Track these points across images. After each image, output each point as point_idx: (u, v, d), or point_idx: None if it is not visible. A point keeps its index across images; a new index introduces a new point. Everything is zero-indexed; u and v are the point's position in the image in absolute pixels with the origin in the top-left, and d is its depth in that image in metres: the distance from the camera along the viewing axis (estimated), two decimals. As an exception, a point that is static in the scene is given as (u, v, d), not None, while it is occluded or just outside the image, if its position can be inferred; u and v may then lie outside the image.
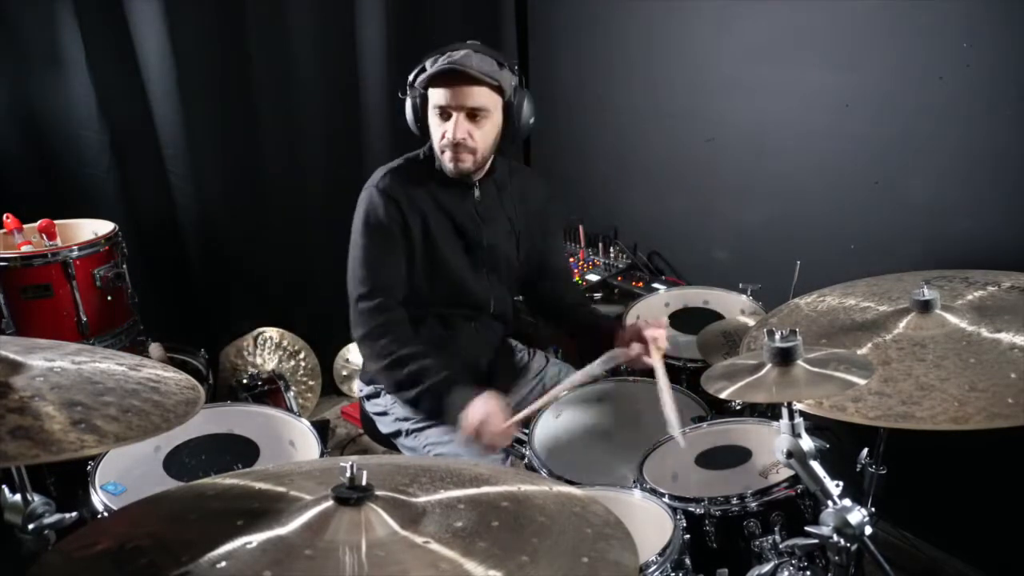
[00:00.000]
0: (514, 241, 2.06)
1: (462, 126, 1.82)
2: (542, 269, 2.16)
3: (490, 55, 1.81)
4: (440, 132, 1.85)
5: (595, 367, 1.78)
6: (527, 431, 1.89)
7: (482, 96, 1.81)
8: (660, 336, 1.82)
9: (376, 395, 2.09)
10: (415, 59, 1.90)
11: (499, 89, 1.82)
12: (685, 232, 2.96)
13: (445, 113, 1.83)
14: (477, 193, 1.96)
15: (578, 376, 1.83)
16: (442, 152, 1.87)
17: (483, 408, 1.69)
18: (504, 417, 1.69)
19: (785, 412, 1.18)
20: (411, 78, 1.87)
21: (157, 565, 0.85)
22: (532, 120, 1.92)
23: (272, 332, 3.06)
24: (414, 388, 1.80)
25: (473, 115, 1.82)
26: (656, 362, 1.79)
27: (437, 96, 1.82)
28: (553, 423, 1.95)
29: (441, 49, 1.82)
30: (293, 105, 2.95)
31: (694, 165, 2.84)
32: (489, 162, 1.96)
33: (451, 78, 1.78)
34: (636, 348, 1.83)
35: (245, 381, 2.66)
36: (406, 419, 2.01)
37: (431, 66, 1.81)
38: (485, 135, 1.86)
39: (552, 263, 2.19)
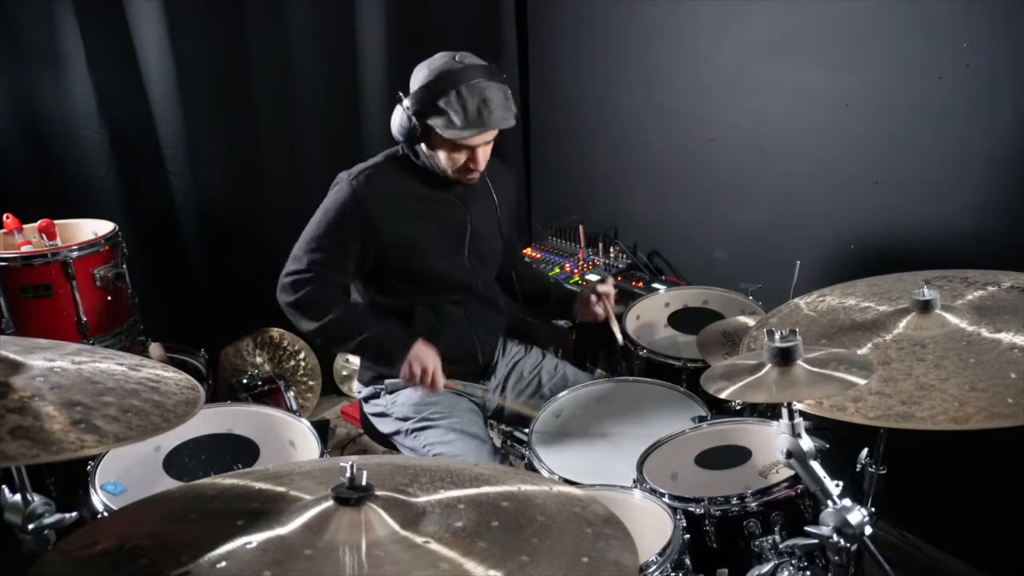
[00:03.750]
0: (496, 226, 2.11)
1: (482, 162, 1.90)
2: (508, 253, 2.25)
3: (500, 79, 1.84)
4: (454, 161, 1.88)
5: None
6: (527, 431, 1.90)
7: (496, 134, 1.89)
8: (610, 291, 2.12)
9: (375, 396, 2.09)
10: (415, 59, 1.90)
11: None
12: (685, 232, 2.96)
13: (467, 147, 1.86)
14: (460, 185, 2.00)
15: None
16: (455, 174, 1.91)
17: (422, 351, 1.87)
18: (437, 361, 1.87)
19: (785, 412, 1.18)
20: (414, 107, 1.82)
21: (157, 565, 0.85)
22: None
23: (272, 332, 3.06)
24: (353, 340, 1.92)
25: (487, 145, 1.91)
26: (610, 311, 2.12)
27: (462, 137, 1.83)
28: (553, 423, 1.95)
29: (455, 76, 1.78)
30: (293, 105, 2.95)
31: (694, 165, 2.84)
32: None
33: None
34: (592, 301, 2.11)
35: (245, 381, 2.66)
36: (405, 419, 2.01)
37: (456, 110, 1.77)
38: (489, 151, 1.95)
39: (515, 244, 2.35)
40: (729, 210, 2.77)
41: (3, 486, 1.05)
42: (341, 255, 1.92)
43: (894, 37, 2.17)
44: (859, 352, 1.33)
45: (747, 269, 2.59)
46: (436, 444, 1.93)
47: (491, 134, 1.87)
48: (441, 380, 1.88)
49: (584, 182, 3.31)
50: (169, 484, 1.61)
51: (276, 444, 1.80)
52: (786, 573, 1.40)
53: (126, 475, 1.65)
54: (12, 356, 1.02)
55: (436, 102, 1.79)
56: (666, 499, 1.52)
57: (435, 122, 1.81)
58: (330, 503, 0.93)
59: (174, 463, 1.70)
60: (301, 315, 1.93)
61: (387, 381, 2.05)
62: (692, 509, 1.51)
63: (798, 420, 1.18)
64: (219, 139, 2.81)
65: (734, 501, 1.49)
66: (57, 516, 1.06)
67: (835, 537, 1.15)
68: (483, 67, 1.84)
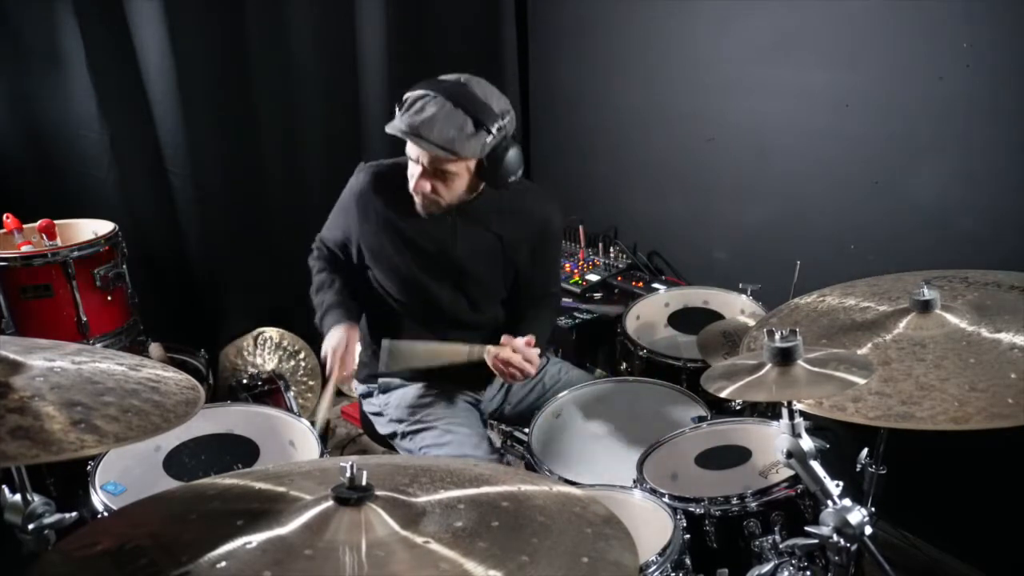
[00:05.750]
0: (500, 259, 1.95)
1: (423, 182, 1.74)
2: (524, 286, 2.04)
3: (469, 109, 1.65)
4: (410, 173, 1.79)
5: None
6: (527, 431, 1.90)
7: (441, 161, 1.70)
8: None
9: (370, 394, 2.09)
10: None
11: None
12: (685, 232, 2.96)
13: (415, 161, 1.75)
14: (455, 212, 1.86)
15: None
16: (411, 190, 1.80)
17: (335, 338, 1.85)
18: (349, 352, 1.85)
19: (785, 412, 1.18)
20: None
21: (157, 565, 0.85)
22: (519, 172, 1.79)
23: (272, 332, 3.06)
24: (315, 297, 2.01)
25: (438, 172, 1.73)
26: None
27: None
28: (553, 423, 1.95)
29: (422, 86, 1.69)
30: (293, 105, 2.95)
31: (694, 165, 2.84)
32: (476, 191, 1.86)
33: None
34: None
35: (245, 381, 2.66)
36: (400, 421, 2.00)
37: (399, 111, 1.70)
38: (452, 189, 1.77)
39: (536, 279, 2.05)
40: (729, 210, 2.77)
41: (3, 486, 1.05)
42: (338, 233, 2.01)
43: (894, 37, 2.17)
44: (859, 352, 1.33)
45: (747, 269, 2.59)
46: (433, 447, 1.92)
47: (423, 153, 1.69)
48: (347, 366, 1.84)
49: (584, 182, 3.31)
50: (169, 484, 1.61)
51: (276, 444, 1.80)
52: (786, 573, 1.40)
53: (126, 475, 1.65)
54: (12, 356, 1.02)
55: (407, 94, 1.72)
56: (666, 499, 1.52)
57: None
58: (330, 503, 0.93)
59: (174, 463, 1.70)
60: (311, 268, 2.07)
61: (380, 380, 2.05)
62: (692, 509, 1.51)
63: (798, 420, 1.18)
64: (219, 139, 2.82)
65: (734, 501, 1.49)
66: (57, 516, 1.06)
67: (835, 537, 1.15)
68: (456, 86, 1.68)
